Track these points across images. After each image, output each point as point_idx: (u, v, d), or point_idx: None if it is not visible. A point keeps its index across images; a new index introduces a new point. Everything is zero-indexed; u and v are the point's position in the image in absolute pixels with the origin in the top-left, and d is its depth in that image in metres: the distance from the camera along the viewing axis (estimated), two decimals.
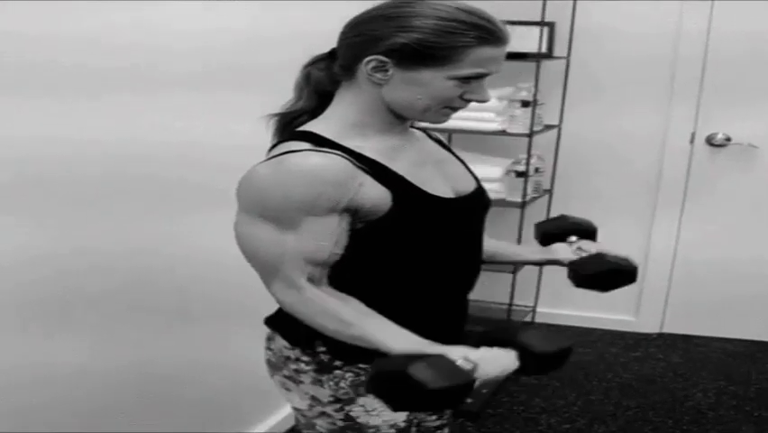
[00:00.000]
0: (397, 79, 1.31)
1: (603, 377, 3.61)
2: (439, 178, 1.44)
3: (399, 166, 1.35)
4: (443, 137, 1.63)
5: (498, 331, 1.36)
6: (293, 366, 1.46)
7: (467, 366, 1.24)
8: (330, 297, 1.33)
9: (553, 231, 1.74)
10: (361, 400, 1.43)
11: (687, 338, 4.03)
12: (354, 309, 1.32)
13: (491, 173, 3.47)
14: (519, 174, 3.57)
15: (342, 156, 1.29)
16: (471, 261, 1.52)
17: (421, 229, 1.37)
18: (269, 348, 1.53)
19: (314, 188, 1.26)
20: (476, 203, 1.51)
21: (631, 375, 3.63)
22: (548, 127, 3.77)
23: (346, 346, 1.34)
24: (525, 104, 3.45)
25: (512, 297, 3.70)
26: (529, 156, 3.53)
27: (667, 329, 4.12)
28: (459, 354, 1.24)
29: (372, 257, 1.37)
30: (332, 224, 1.29)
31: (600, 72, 3.83)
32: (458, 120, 3.27)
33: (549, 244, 1.73)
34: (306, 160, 1.27)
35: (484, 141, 3.66)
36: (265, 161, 1.33)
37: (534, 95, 3.44)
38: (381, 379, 1.22)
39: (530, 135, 3.47)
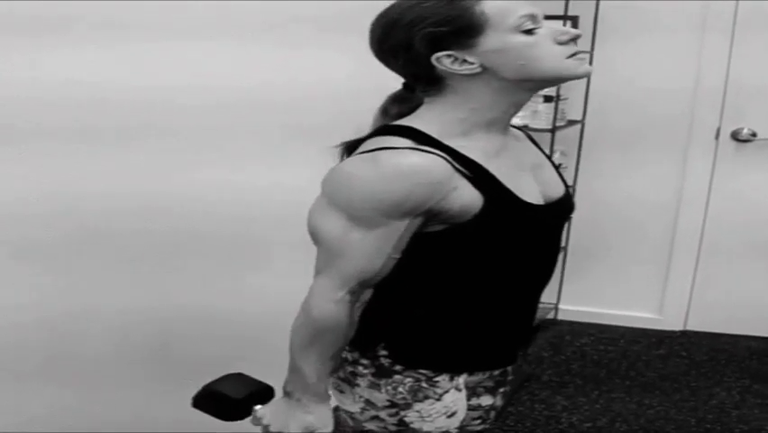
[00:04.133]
0: (484, 60, 1.26)
1: (626, 375, 3.58)
2: (533, 183, 1.39)
3: (497, 169, 1.30)
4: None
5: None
6: (350, 369, 1.44)
7: (262, 417, 1.44)
8: (346, 319, 1.32)
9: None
10: (417, 406, 1.40)
11: (711, 336, 3.99)
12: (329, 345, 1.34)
13: None
14: (547, 99, 3.49)
15: (444, 157, 1.24)
16: (549, 265, 1.48)
17: (508, 235, 1.32)
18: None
19: (405, 190, 1.21)
20: (563, 209, 1.47)
21: (654, 373, 3.60)
22: (571, 122, 3.72)
23: (409, 351, 1.33)
24: (547, 99, 3.39)
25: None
26: (552, 152, 3.50)
27: (691, 327, 4.08)
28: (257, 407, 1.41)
29: (450, 262, 1.32)
30: (399, 227, 1.25)
31: (624, 66, 3.75)
32: None
33: None
34: (406, 159, 1.21)
35: None
36: (359, 153, 1.28)
37: (558, 89, 3.39)
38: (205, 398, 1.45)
39: (553, 131, 3.43)
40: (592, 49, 3.74)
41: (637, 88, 3.75)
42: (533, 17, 1.25)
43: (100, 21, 1.76)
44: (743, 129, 3.73)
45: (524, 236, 1.34)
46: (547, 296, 4.04)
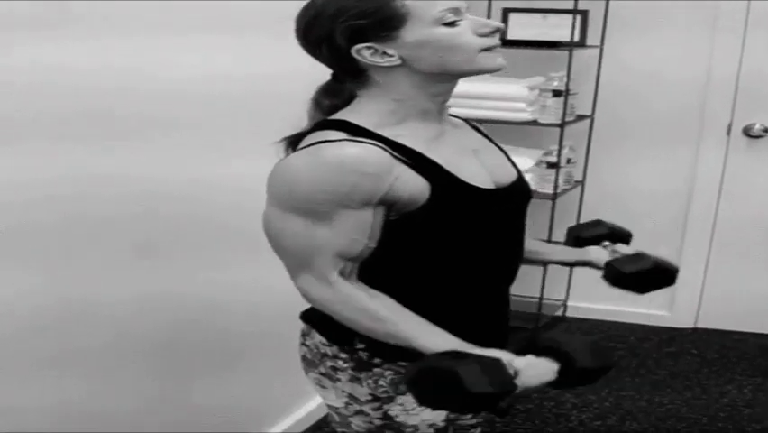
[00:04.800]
0: (403, 53, 1.27)
1: (636, 373, 3.58)
2: (479, 168, 1.39)
3: (438, 155, 1.31)
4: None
5: (542, 339, 1.31)
6: (330, 363, 1.44)
7: (511, 371, 1.23)
8: (362, 292, 1.31)
9: (586, 235, 1.72)
10: (400, 399, 1.41)
11: (722, 333, 3.98)
12: (387, 306, 1.30)
13: (522, 164, 3.22)
14: (551, 165, 3.54)
15: (380, 147, 1.26)
16: (512, 254, 1.48)
17: (460, 221, 1.33)
18: (304, 344, 1.51)
19: (350, 180, 1.23)
20: (517, 194, 1.46)
21: (665, 371, 3.61)
22: (580, 117, 3.72)
23: (386, 344, 1.32)
24: (556, 93, 3.42)
25: (543, 290, 3.68)
26: (561, 147, 3.49)
27: (702, 324, 4.08)
28: (505, 360, 1.22)
29: (408, 250, 1.34)
30: (366, 217, 1.27)
31: (634, 60, 3.74)
32: (488, 110, 3.41)
33: (581, 247, 1.70)
34: (343, 150, 1.24)
35: (515, 131, 3.60)
36: (298, 150, 1.30)
37: (567, 84, 3.39)
38: (426, 375, 1.20)
39: (562, 126, 3.43)
40: (602, 43, 3.74)
41: (647, 83, 3.75)
42: (455, 10, 1.26)
43: (102, 13, 1.84)
44: (755, 125, 3.74)
45: (476, 220, 1.35)
46: (556, 292, 4.06)
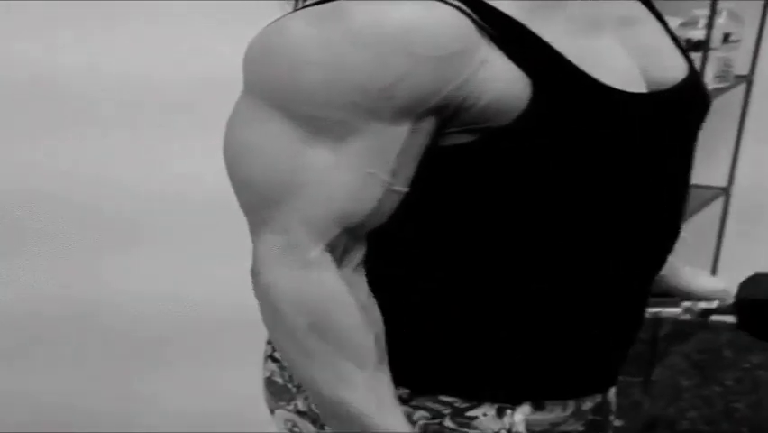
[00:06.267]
0: None
1: None
2: (623, 56, 1.07)
3: (553, 31, 1.00)
4: None
5: None
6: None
7: None
8: (352, 298, 1.00)
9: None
10: None
11: None
12: (371, 341, 1.02)
13: None
14: (694, 45, 2.73)
15: (460, 8, 0.94)
16: (668, 213, 1.15)
17: (582, 154, 1.00)
18: (270, 356, 1.22)
19: (396, 69, 0.92)
20: (689, 104, 1.13)
21: None
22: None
23: (418, 363, 1.09)
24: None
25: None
26: (714, 13, 2.72)
27: None
28: None
29: (480, 200, 1.02)
30: (398, 136, 0.95)
31: None
32: None
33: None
34: (395, 12, 0.93)
35: None
36: (311, 4, 1.00)
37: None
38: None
39: None
40: None
41: None
42: None
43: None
44: None
45: (615, 152, 1.03)
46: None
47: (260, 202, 1.03)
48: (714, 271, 3.38)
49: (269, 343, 1.25)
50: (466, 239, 1.07)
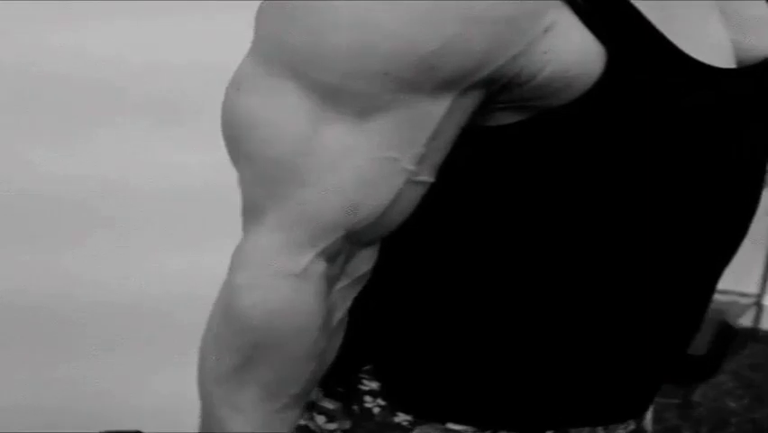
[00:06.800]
0: None
1: None
2: (715, 20, 0.95)
3: None
4: None
5: None
6: (302, 422, 1.03)
7: None
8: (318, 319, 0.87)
9: None
10: None
11: None
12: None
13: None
14: None
15: None
16: (745, 207, 1.02)
17: (655, 142, 0.88)
18: None
19: (439, 29, 0.80)
20: None
21: None
22: None
23: (423, 384, 0.98)
24: None
25: None
26: None
27: None
28: None
29: (517, 207, 0.91)
30: (432, 117, 0.84)
31: None
32: None
33: None
34: None
35: None
36: None
37: None
38: None
39: None
40: None
41: None
42: None
43: None
44: None
45: (697, 136, 0.92)
46: (743, 283, 3.10)
47: (259, 187, 0.92)
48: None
49: None
50: (491, 241, 0.96)
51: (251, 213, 0.89)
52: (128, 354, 2.41)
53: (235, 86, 0.89)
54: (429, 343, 0.96)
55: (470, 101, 0.84)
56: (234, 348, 0.90)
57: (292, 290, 0.87)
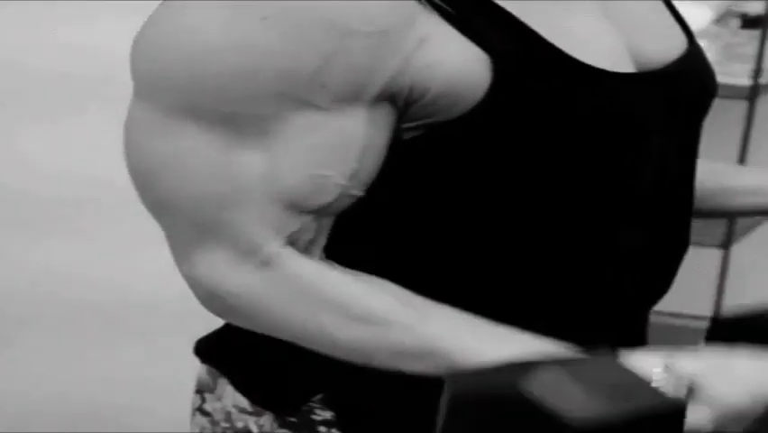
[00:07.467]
0: None
1: None
2: (605, 24, 1.00)
3: (520, 2, 0.94)
4: None
5: (756, 318, 1.04)
6: None
7: (669, 385, 0.83)
8: (331, 271, 0.91)
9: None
10: None
11: None
12: (385, 293, 0.90)
13: (692, 20, 3.12)
14: (749, 22, 2.63)
15: None
16: (673, 220, 1.07)
17: (556, 142, 0.93)
18: (200, 409, 1.12)
19: (322, 45, 0.85)
20: (685, 86, 1.03)
21: None
22: None
23: (381, 398, 0.98)
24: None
25: (722, 286, 2.80)
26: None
27: None
28: (653, 363, 0.83)
29: (444, 205, 0.95)
30: (347, 128, 0.87)
31: None
32: None
33: None
34: None
35: None
36: None
37: None
38: (468, 408, 0.84)
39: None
40: None
41: None
42: None
43: None
44: None
45: (596, 143, 0.95)
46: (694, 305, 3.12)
47: (186, 221, 0.94)
48: None
49: (197, 392, 1.14)
50: (436, 232, 1.00)
51: (189, 246, 0.90)
52: (121, 349, 2.46)
53: (131, 131, 0.90)
54: (380, 371, 0.94)
55: (382, 117, 0.86)
56: (310, 321, 0.90)
57: (272, 274, 0.90)
